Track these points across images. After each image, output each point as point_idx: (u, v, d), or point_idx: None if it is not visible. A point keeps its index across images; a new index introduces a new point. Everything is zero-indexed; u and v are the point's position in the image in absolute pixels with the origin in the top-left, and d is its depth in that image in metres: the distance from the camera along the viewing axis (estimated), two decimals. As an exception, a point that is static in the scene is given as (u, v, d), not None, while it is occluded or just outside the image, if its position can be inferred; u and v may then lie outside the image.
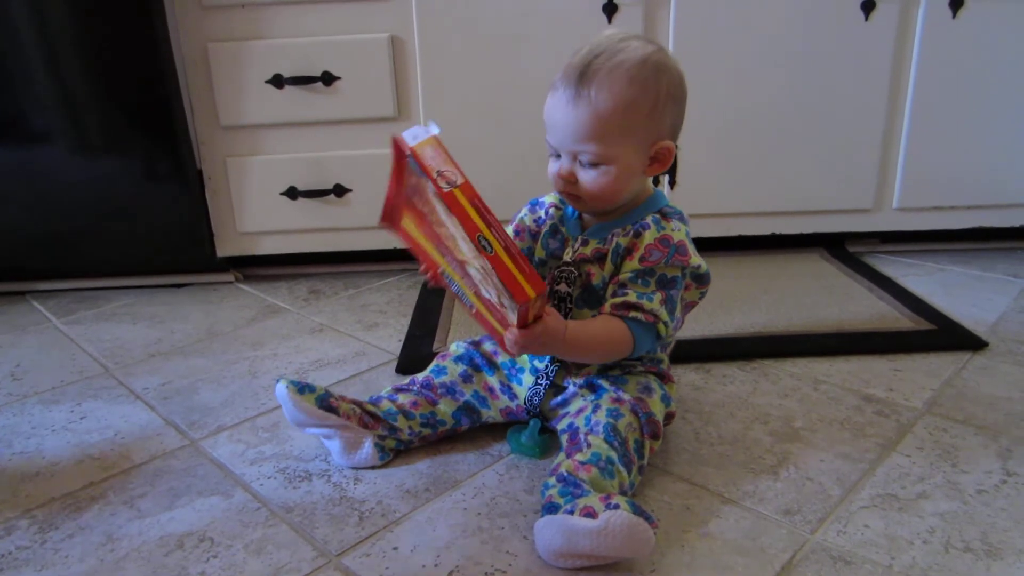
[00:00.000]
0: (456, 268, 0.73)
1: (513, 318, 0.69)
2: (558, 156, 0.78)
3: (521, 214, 0.88)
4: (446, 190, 0.65)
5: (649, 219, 0.78)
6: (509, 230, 0.88)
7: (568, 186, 0.78)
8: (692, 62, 1.37)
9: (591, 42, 0.76)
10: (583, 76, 0.73)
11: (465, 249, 0.68)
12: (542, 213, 0.86)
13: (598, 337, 0.76)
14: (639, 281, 0.77)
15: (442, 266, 0.76)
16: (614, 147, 0.74)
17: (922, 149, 1.40)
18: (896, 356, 1.05)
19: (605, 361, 0.81)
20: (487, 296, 0.71)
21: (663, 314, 0.76)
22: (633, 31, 1.33)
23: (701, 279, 0.81)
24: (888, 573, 0.65)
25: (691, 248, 0.79)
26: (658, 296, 0.76)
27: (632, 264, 0.77)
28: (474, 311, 0.77)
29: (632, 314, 0.75)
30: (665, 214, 0.80)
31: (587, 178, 0.76)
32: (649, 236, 0.77)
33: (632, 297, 0.76)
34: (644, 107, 0.74)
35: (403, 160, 0.72)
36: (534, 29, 1.33)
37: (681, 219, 0.81)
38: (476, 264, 0.68)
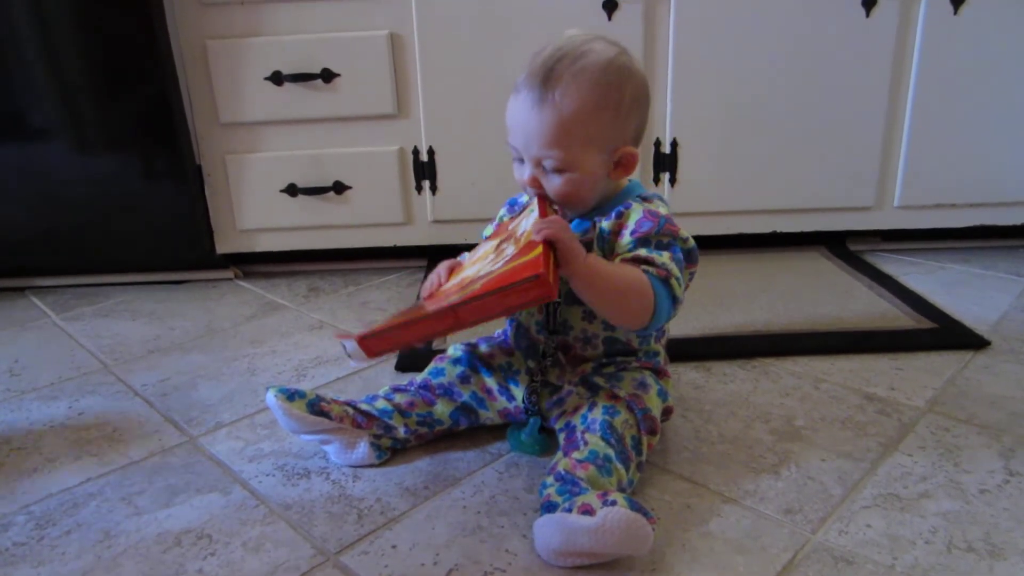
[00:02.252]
0: (452, 297, 0.73)
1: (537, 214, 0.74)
2: (522, 160, 0.77)
3: (500, 214, 0.89)
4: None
5: (629, 201, 0.78)
6: (490, 228, 0.89)
7: (536, 191, 0.77)
8: (692, 59, 1.38)
9: (554, 43, 0.74)
10: (547, 80, 0.72)
11: (484, 262, 0.76)
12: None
13: (618, 274, 0.72)
14: (640, 248, 0.75)
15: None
16: (577, 153, 0.73)
17: (923, 147, 1.40)
18: (898, 355, 1.04)
19: (625, 313, 0.73)
20: (504, 257, 0.72)
21: (675, 270, 0.73)
22: (632, 29, 1.33)
23: (690, 255, 0.79)
24: (890, 573, 0.64)
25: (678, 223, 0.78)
26: (665, 254, 0.74)
27: (625, 240, 0.75)
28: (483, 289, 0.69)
29: (643, 267, 0.73)
30: (645, 197, 0.79)
31: (551, 185, 0.76)
32: (634, 213, 0.76)
33: (642, 252, 0.74)
34: (608, 112, 0.73)
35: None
36: (534, 26, 1.33)
37: (661, 200, 0.80)
38: (493, 256, 0.75)
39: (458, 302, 0.67)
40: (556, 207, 0.78)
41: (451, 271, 0.83)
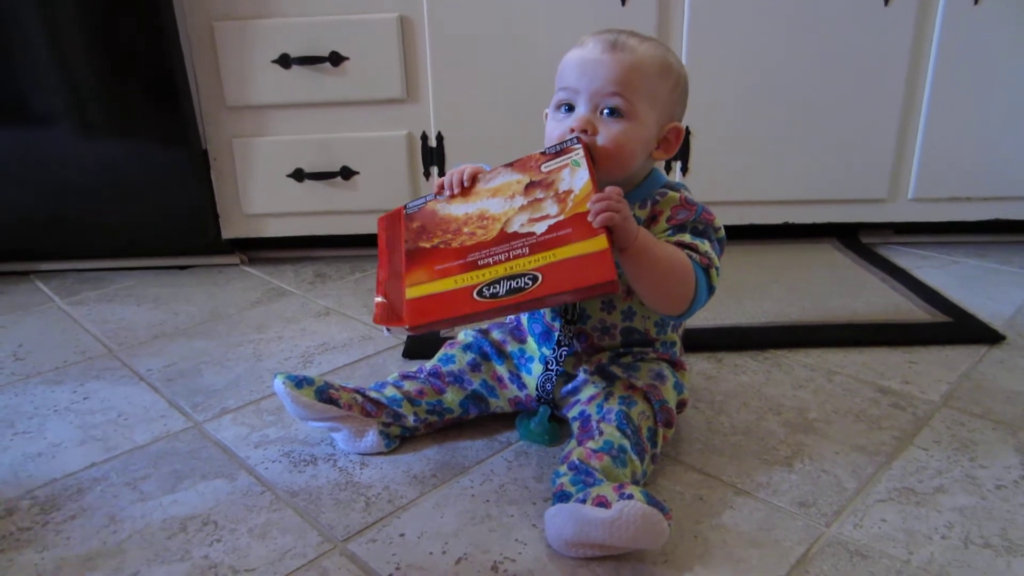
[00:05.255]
0: (497, 246, 0.70)
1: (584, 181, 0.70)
2: (569, 109, 0.75)
3: None
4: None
5: (663, 190, 0.77)
6: None
7: (583, 135, 0.73)
8: (706, 47, 1.36)
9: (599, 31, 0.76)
10: (618, 38, 0.74)
11: (509, 203, 0.73)
12: None
13: (666, 255, 0.70)
14: (681, 235, 0.74)
15: (480, 280, 0.70)
16: (640, 103, 0.73)
17: (939, 138, 1.38)
18: (911, 348, 1.03)
19: (666, 295, 0.71)
20: (542, 213, 0.70)
21: (715, 259, 0.73)
22: (646, 15, 1.31)
23: (719, 245, 0.77)
24: (906, 568, 0.63)
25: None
26: (706, 243, 0.73)
27: (661, 226, 0.75)
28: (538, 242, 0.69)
29: (687, 252, 0.72)
30: (673, 187, 0.78)
31: (606, 130, 0.73)
32: (670, 201, 0.76)
33: (686, 238, 0.73)
34: (670, 82, 0.75)
35: (398, 220, 0.80)
36: (545, 10, 1.31)
37: (687, 190, 0.79)
38: (521, 199, 0.73)
39: (522, 301, 0.66)
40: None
41: (473, 180, 0.79)
